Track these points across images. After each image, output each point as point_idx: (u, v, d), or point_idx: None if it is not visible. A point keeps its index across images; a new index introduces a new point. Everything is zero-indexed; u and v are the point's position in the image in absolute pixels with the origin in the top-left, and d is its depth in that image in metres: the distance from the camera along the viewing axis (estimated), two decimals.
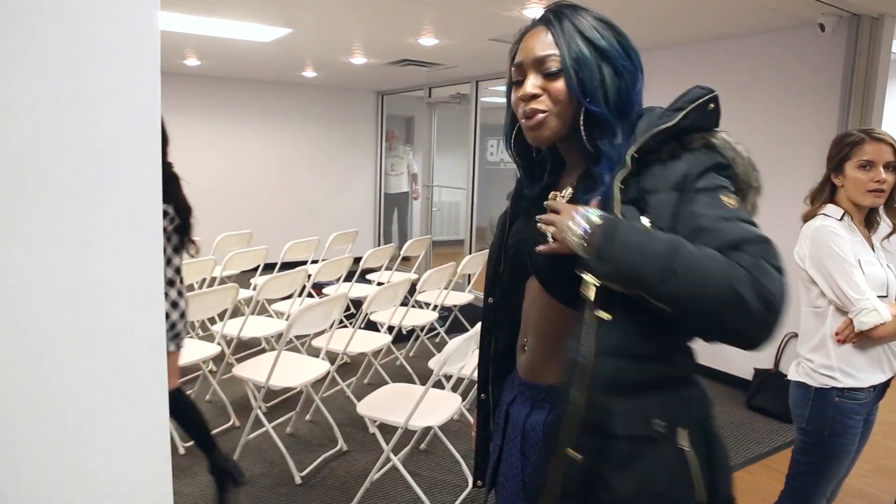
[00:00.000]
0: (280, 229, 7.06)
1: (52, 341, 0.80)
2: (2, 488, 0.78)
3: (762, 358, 3.96)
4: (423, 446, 3.17)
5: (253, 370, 2.91)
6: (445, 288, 4.53)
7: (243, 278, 4.94)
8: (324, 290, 4.90)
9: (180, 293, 2.54)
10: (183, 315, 2.53)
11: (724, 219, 0.93)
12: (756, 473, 3.06)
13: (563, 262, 1.02)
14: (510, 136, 1.21)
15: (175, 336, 2.49)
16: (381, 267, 5.14)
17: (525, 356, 1.21)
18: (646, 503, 0.98)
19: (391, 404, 2.64)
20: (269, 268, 4.87)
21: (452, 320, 4.98)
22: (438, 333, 4.76)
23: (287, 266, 4.48)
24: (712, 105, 1.03)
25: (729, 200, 0.96)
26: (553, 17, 1.08)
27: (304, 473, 2.87)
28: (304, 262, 5.23)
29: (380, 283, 4.85)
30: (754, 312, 0.85)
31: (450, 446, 2.89)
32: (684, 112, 1.00)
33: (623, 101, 1.06)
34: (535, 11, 3.53)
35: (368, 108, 8.21)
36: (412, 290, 3.90)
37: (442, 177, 7.80)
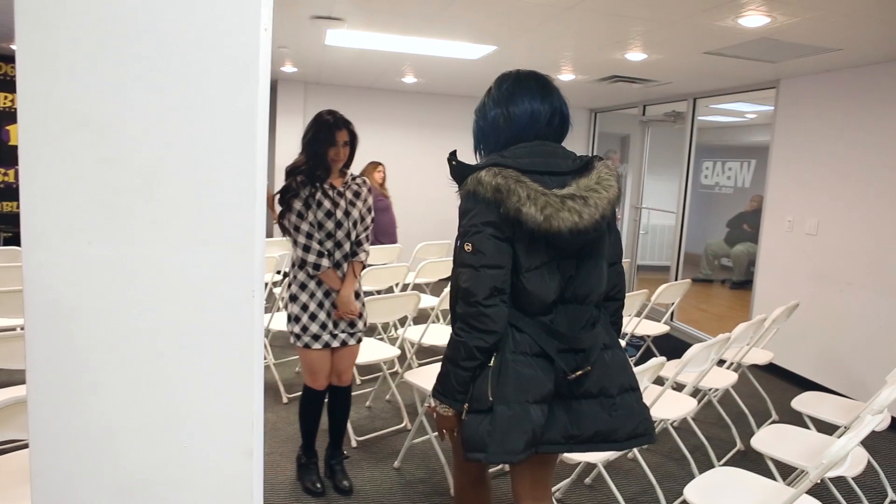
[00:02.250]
0: None
1: (143, 325, 0.86)
2: (100, 455, 0.86)
3: None
4: (587, 480, 2.99)
5: (423, 377, 2.98)
6: (637, 315, 4.26)
7: (440, 287, 5.12)
8: None
9: (323, 293, 2.62)
10: (327, 314, 2.61)
11: (459, 265, 1.62)
12: None
13: None
14: None
15: (305, 332, 2.58)
16: None
17: None
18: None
19: None
20: None
21: (644, 351, 4.67)
22: None
23: None
24: (454, 162, 1.65)
25: (465, 247, 1.59)
26: None
27: None
28: None
29: None
30: (472, 334, 1.57)
31: (613, 487, 2.69)
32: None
33: (477, 138, 1.79)
34: (753, 20, 3.19)
35: (580, 126, 8.08)
36: None
37: (653, 199, 7.40)
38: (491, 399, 1.57)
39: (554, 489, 2.60)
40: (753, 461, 3.27)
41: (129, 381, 0.83)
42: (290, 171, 2.62)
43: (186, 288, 0.85)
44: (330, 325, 2.63)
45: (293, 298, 2.63)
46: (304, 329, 2.59)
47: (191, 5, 0.80)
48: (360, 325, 2.73)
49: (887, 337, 3.97)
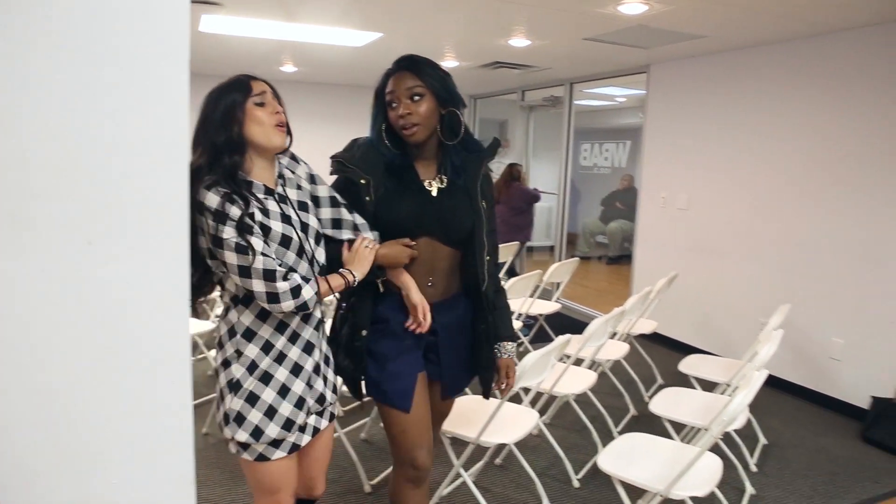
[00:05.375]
0: None
1: (60, 348, 0.76)
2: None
3: (882, 385, 3.57)
4: (498, 461, 3.06)
5: None
6: (531, 296, 4.40)
7: None
8: None
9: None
10: (306, 388, 1.65)
11: (495, 229, 1.91)
12: None
13: (470, 225, 1.83)
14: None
15: (259, 438, 1.58)
16: None
17: (433, 288, 1.83)
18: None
19: (465, 417, 2.55)
20: None
21: (538, 330, 4.83)
22: (522, 343, 4.62)
23: None
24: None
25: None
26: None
27: (374, 482, 2.83)
28: None
29: None
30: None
31: (525, 464, 2.76)
32: (494, 153, 1.89)
33: None
34: (632, 7, 3.35)
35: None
36: None
37: (534, 181, 7.64)
38: None
39: (468, 472, 2.63)
40: (647, 424, 3.48)
41: (46, 418, 0.73)
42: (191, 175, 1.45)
43: (108, 305, 0.76)
44: (303, 413, 1.63)
45: (233, 387, 1.57)
46: (258, 433, 1.57)
47: None
48: (330, 395, 1.74)
49: (753, 300, 4.35)
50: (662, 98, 5.10)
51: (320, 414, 1.72)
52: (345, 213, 1.73)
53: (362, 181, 1.73)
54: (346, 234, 1.72)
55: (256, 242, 1.47)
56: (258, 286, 1.47)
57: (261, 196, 1.56)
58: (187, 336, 0.88)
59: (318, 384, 1.68)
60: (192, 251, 1.39)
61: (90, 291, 0.76)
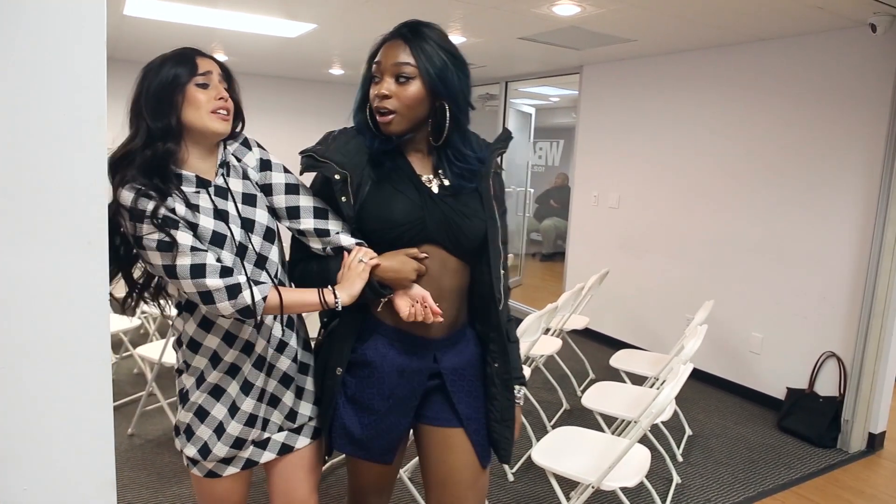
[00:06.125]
0: None
1: None
2: None
3: (796, 377, 3.77)
4: None
5: None
6: None
7: None
8: None
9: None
10: (251, 414, 1.47)
11: (507, 240, 1.55)
12: (785, 502, 2.88)
13: (483, 230, 1.45)
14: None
15: (207, 456, 1.46)
16: None
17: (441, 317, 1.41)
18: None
19: None
20: None
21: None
22: None
23: None
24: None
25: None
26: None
27: None
28: None
29: None
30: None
31: None
32: (506, 145, 1.54)
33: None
34: (565, 9, 3.41)
35: None
36: None
37: None
38: None
39: (402, 470, 2.62)
40: (580, 417, 3.57)
41: None
42: (119, 163, 1.34)
43: (27, 299, 0.71)
44: (256, 430, 1.48)
45: (183, 398, 1.47)
46: (205, 451, 1.45)
47: None
48: (308, 408, 1.55)
49: (679, 296, 4.51)
50: (594, 99, 5.21)
51: (297, 431, 1.53)
52: (304, 201, 1.44)
53: (336, 177, 1.37)
54: (305, 224, 1.43)
55: (182, 237, 1.29)
56: (188, 286, 1.29)
57: (190, 190, 1.36)
58: (107, 334, 0.83)
59: (288, 397, 1.49)
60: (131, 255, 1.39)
61: (4, 288, 0.71)
